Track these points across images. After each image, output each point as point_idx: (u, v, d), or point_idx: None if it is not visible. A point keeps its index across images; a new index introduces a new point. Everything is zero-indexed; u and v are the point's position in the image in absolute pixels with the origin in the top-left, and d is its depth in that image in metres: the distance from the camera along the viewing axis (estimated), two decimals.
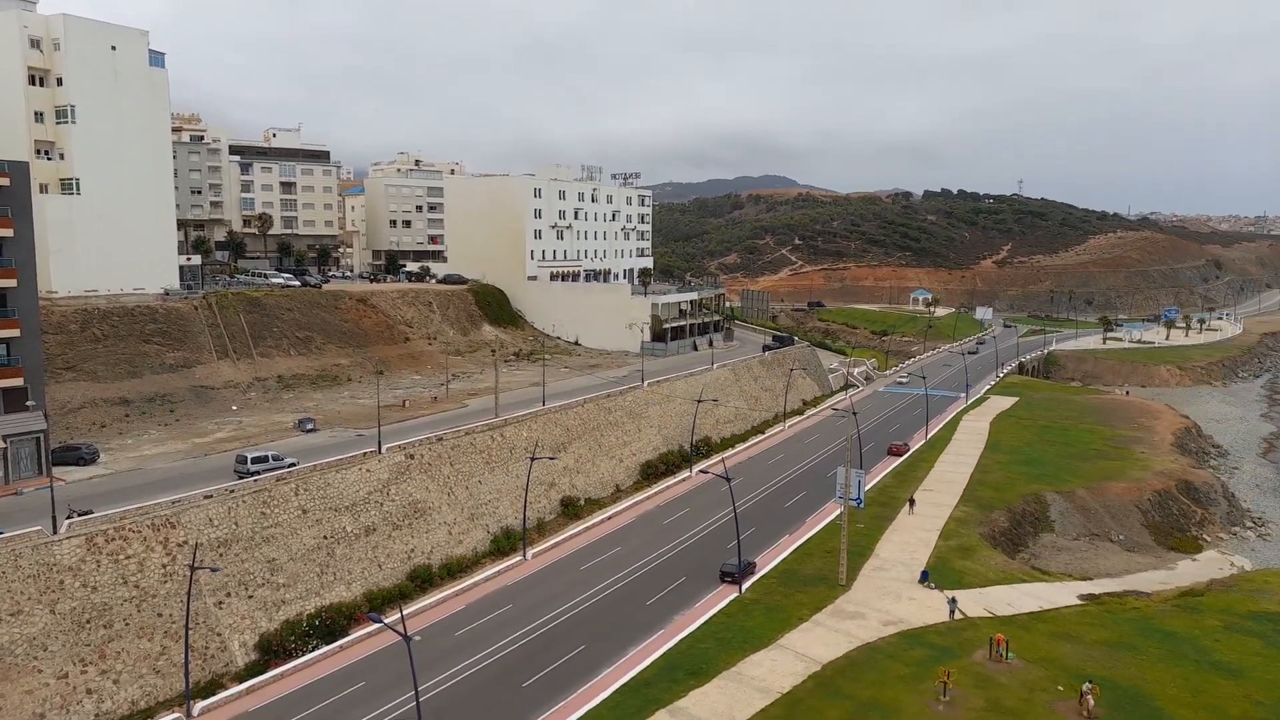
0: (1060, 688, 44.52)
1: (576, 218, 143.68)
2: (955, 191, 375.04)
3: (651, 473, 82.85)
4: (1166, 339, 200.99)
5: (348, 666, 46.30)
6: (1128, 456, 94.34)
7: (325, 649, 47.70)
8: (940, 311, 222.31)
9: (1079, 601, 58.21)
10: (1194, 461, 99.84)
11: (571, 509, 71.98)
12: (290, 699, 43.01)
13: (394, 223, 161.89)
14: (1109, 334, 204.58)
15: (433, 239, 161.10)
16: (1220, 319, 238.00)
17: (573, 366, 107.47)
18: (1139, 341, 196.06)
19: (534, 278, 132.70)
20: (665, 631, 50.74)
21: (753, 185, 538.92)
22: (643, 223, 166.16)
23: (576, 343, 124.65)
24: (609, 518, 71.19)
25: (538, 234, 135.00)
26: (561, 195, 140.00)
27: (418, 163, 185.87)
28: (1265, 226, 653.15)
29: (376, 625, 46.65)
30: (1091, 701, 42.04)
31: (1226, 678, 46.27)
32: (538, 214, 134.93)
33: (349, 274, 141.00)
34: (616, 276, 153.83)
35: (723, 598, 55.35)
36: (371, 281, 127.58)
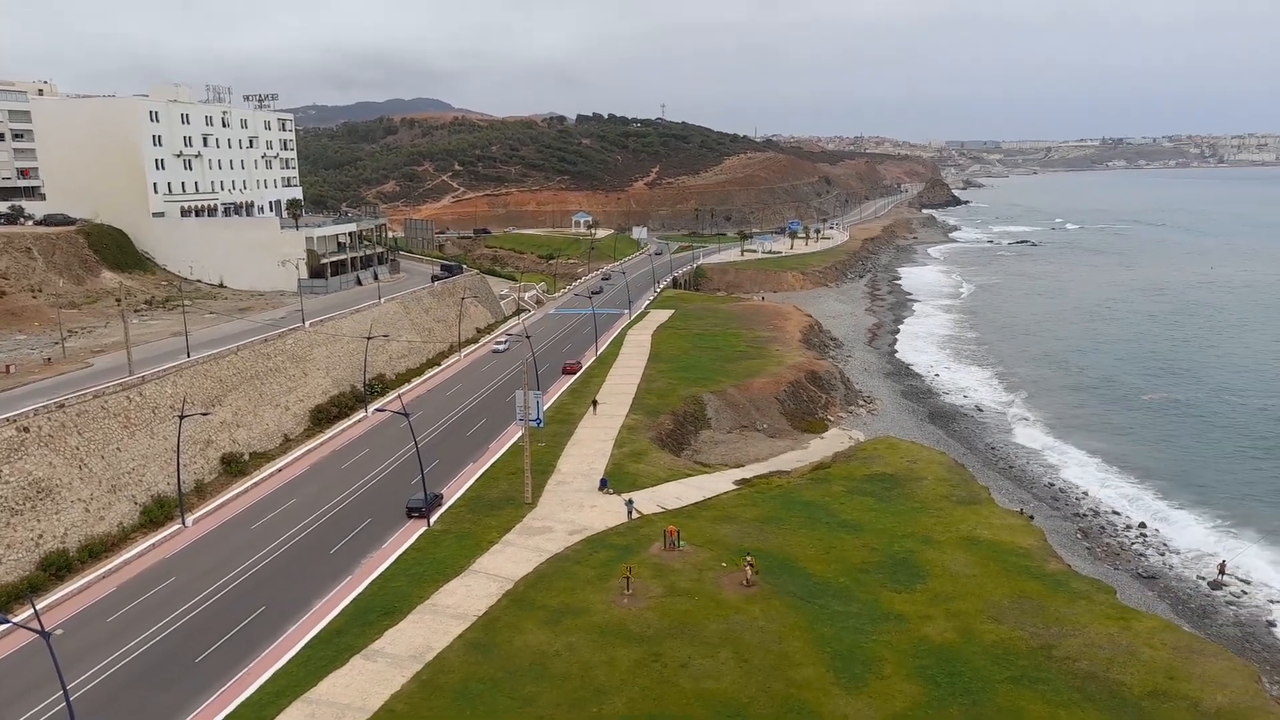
0: (724, 564, 50.07)
1: (206, 145, 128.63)
2: (606, 116, 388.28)
3: (323, 417, 78.62)
4: (791, 249, 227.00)
5: None
6: (766, 355, 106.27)
7: None
8: (601, 233, 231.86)
9: (735, 486, 65.35)
10: (817, 354, 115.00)
11: (235, 466, 66.38)
12: None
13: None
14: (745, 247, 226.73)
15: (23, 172, 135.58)
16: (831, 229, 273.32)
17: (220, 311, 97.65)
18: (770, 252, 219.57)
19: (161, 214, 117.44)
20: (354, 577, 49.22)
21: (406, 109, 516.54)
22: (286, 149, 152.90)
23: (221, 285, 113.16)
24: (279, 470, 66.74)
25: (160, 164, 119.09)
26: (185, 119, 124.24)
27: None
28: (862, 145, 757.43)
29: (3, 625, 40.08)
30: (750, 571, 47.86)
31: (850, 533, 54.91)
32: (158, 141, 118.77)
33: None
34: (262, 210, 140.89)
35: (412, 533, 54.71)
36: None
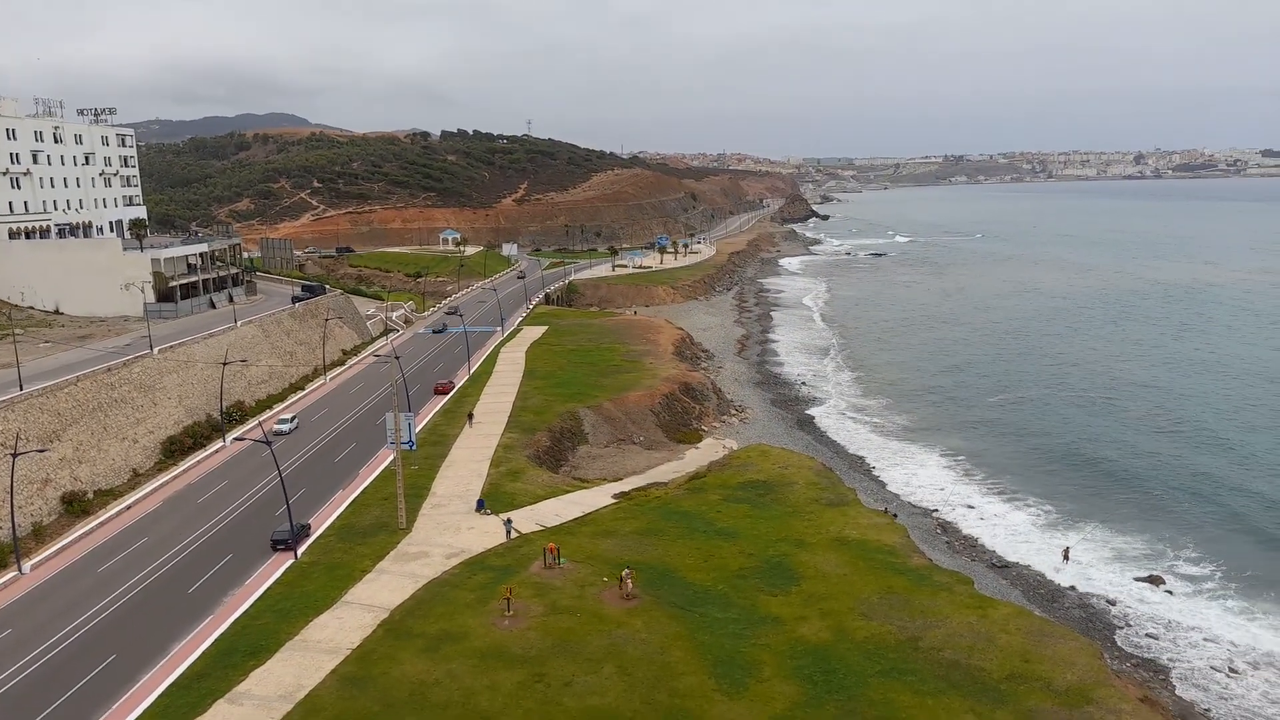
0: (605, 579, 50.11)
1: (36, 162, 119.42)
2: (471, 132, 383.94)
3: (177, 449, 74.14)
4: (661, 263, 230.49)
5: None
6: (640, 368, 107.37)
7: None
8: (470, 250, 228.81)
9: (613, 500, 65.60)
10: (690, 366, 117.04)
11: (78, 505, 61.65)
12: None
13: None
14: (616, 262, 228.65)
15: None
16: (699, 243, 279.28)
17: (56, 340, 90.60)
18: (640, 267, 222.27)
19: None
20: (215, 616, 46.50)
21: (259, 124, 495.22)
22: (127, 166, 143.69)
23: (57, 311, 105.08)
24: (128, 507, 62.41)
25: None
26: (11, 135, 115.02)
27: None
28: (725, 162, 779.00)
29: None
30: (629, 584, 48.09)
31: (726, 540, 56.02)
32: None
33: None
34: (101, 230, 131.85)
35: (278, 567, 52.21)
36: None
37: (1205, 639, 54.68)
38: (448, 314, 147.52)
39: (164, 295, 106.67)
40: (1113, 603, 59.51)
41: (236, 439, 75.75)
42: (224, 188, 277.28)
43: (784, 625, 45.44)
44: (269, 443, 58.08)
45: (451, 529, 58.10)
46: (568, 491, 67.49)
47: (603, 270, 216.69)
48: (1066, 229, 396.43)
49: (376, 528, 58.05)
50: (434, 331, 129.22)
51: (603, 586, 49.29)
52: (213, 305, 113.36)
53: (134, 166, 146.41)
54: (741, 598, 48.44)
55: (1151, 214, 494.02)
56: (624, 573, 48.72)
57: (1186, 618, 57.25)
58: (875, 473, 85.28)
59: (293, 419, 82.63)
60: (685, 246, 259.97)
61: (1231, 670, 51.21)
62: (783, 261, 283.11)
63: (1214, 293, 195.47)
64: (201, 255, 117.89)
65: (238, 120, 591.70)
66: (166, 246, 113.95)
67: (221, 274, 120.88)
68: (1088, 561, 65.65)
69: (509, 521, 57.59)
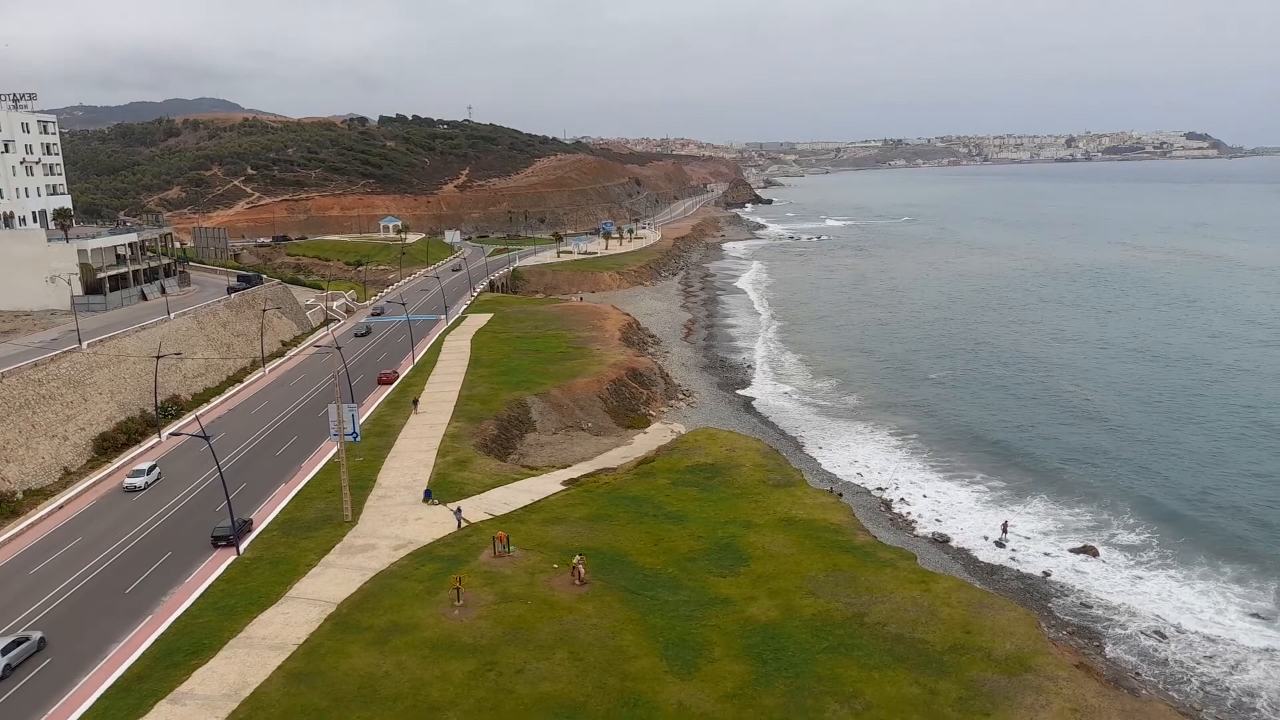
0: (555, 565, 50.10)
1: None
2: (410, 117, 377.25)
3: (110, 446, 71.93)
4: (606, 249, 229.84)
5: None
6: (587, 355, 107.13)
7: None
8: (412, 238, 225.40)
9: (563, 487, 65.50)
10: (637, 351, 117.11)
11: (6, 506, 59.51)
12: None
13: None
14: (561, 248, 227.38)
15: None
16: (644, 229, 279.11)
17: None
18: (585, 253, 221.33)
19: None
20: (155, 616, 45.38)
21: (188, 109, 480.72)
22: (49, 154, 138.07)
23: None
24: (60, 507, 60.40)
25: None
26: None
27: None
28: (669, 147, 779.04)
29: None
30: (582, 570, 48.16)
31: (675, 524, 56.41)
32: None
33: None
34: (23, 221, 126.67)
35: (219, 564, 51.10)
36: None
37: (1138, 605, 56.78)
38: (373, 314, 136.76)
39: (92, 287, 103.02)
40: (1049, 573, 61.43)
41: (173, 434, 73.76)
42: (153, 175, 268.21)
43: (733, 606, 45.97)
44: (207, 437, 56.69)
45: (399, 520, 57.46)
46: (516, 479, 67.18)
47: (547, 257, 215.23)
48: (988, 212, 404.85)
49: (321, 521, 57.13)
50: (356, 335, 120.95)
51: (553, 573, 49.27)
52: (144, 297, 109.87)
53: (57, 154, 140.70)
54: (691, 580, 48.85)
55: (1077, 196, 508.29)
56: (576, 559, 48.76)
57: (1120, 585, 59.40)
58: (820, 453, 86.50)
59: (151, 468, 65.11)
60: (630, 232, 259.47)
61: (1160, 634, 53.30)
62: (727, 246, 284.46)
63: (1130, 274, 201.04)
64: (131, 245, 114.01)
65: (166, 106, 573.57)
66: (94, 237, 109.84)
67: (153, 265, 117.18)
68: (1026, 534, 67.62)
69: (458, 511, 57.15)
